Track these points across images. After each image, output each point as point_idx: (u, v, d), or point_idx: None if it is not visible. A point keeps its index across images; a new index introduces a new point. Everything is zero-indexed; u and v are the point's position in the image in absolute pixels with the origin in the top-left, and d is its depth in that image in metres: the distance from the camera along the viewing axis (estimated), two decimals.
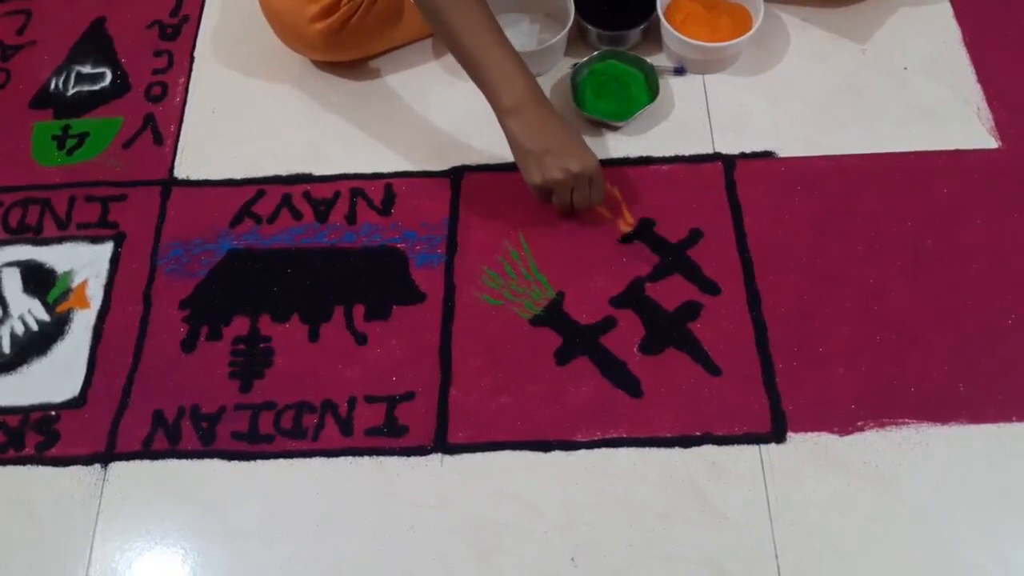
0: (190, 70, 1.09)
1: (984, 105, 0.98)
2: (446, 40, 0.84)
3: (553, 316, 0.89)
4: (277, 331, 0.90)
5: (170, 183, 1.00)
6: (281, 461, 0.83)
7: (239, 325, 0.91)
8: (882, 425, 0.81)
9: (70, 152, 1.04)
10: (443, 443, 0.83)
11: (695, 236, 0.92)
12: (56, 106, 1.08)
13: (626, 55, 1.01)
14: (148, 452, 0.84)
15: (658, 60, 1.03)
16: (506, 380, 0.86)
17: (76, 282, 0.95)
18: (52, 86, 1.09)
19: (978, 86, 1.00)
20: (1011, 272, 0.88)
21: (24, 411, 0.88)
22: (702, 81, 1.03)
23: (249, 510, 0.81)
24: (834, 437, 0.81)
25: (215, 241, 0.96)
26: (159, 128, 1.05)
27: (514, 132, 0.84)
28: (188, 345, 0.90)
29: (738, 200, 0.94)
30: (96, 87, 1.09)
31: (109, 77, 1.10)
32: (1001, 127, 0.97)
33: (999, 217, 0.91)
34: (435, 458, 0.83)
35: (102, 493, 0.83)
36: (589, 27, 1.02)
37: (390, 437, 0.84)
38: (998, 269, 0.88)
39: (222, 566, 0.79)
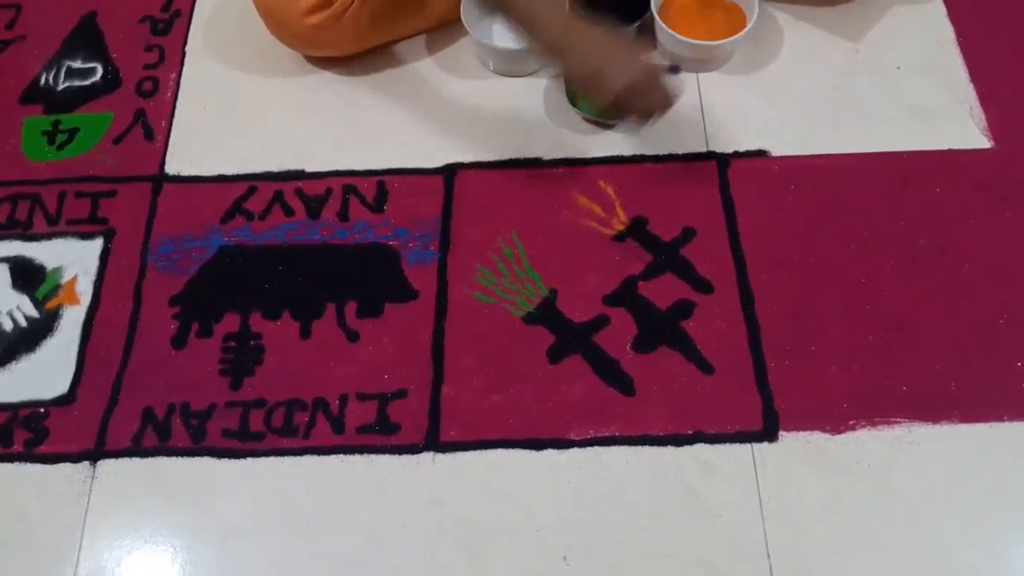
0: (181, 65, 1.09)
1: (977, 105, 0.99)
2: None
3: (546, 314, 0.89)
4: (268, 328, 0.90)
5: (161, 179, 1.00)
6: (272, 459, 0.83)
7: (230, 322, 0.90)
8: (874, 424, 0.81)
9: (60, 147, 1.03)
10: (435, 441, 0.83)
11: (688, 234, 0.92)
12: (46, 101, 1.07)
13: None
14: (138, 450, 0.84)
15: (652, 58, 1.03)
16: (499, 378, 0.85)
17: (65, 278, 0.94)
18: (42, 81, 1.08)
19: (971, 86, 1.00)
20: (1003, 272, 0.88)
21: (13, 408, 0.87)
22: (696, 79, 1.02)
23: (239, 508, 0.81)
24: (826, 436, 0.81)
25: (206, 237, 0.95)
26: (150, 123, 1.04)
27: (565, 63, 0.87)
28: (178, 342, 0.89)
29: (731, 199, 0.94)
30: (87, 82, 1.08)
31: (100, 72, 1.09)
32: (994, 127, 0.97)
33: (992, 217, 0.91)
34: (427, 456, 0.82)
35: (91, 491, 0.82)
36: None
37: (382, 435, 0.83)
38: (990, 269, 0.89)
39: (212, 564, 0.79)
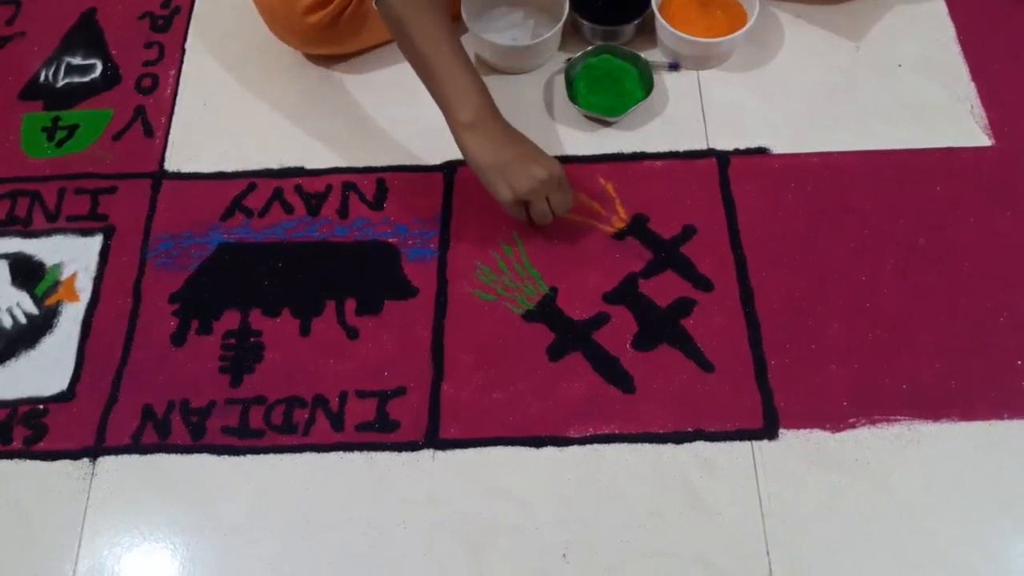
0: (181, 62, 1.08)
1: (978, 103, 0.98)
2: (406, 51, 0.83)
3: (546, 312, 0.88)
4: (268, 325, 0.89)
5: (160, 176, 1.00)
6: (271, 456, 0.83)
7: (229, 319, 0.90)
8: (874, 422, 0.81)
9: (60, 144, 1.03)
10: (435, 439, 0.83)
11: (688, 232, 0.92)
12: (46, 98, 1.07)
13: (621, 50, 1.01)
14: (137, 446, 0.84)
15: (653, 55, 1.03)
16: (498, 376, 0.85)
17: (65, 275, 0.94)
18: (42, 77, 1.08)
19: (972, 84, 1.00)
20: (1003, 270, 0.88)
21: (12, 405, 0.87)
22: (696, 77, 1.02)
23: (239, 505, 0.81)
24: (826, 434, 0.81)
25: (205, 234, 0.95)
26: (149, 120, 1.04)
27: (473, 148, 0.82)
28: (178, 339, 0.89)
29: (732, 196, 0.94)
30: (86, 79, 1.08)
31: (99, 69, 1.09)
32: (994, 125, 0.97)
33: (992, 215, 0.91)
34: (427, 454, 0.82)
35: (90, 488, 0.82)
36: (584, 22, 1.02)
37: (381, 432, 0.83)
38: (990, 267, 0.88)
39: (211, 561, 0.79)
